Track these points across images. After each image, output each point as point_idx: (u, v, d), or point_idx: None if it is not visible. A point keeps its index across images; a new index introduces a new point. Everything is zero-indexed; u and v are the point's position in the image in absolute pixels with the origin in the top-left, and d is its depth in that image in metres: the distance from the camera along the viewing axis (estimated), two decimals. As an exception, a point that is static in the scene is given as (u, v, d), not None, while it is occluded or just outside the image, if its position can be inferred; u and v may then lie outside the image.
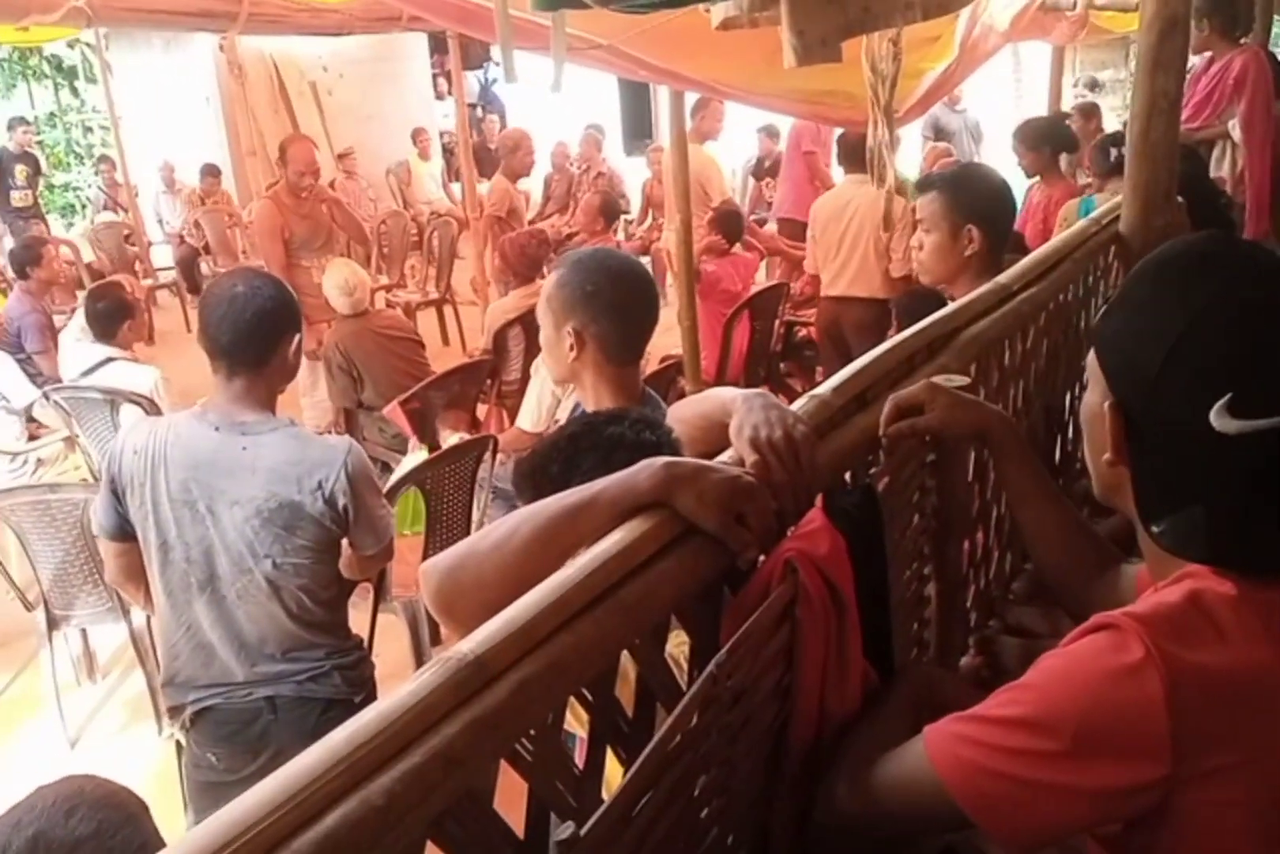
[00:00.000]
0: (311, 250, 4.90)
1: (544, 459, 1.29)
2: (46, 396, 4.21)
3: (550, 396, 3.25)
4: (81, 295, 5.83)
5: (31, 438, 4.35)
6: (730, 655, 0.97)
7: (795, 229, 6.01)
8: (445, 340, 7.11)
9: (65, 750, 3.26)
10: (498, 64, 12.88)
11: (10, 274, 6.26)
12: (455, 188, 10.23)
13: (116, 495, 2.04)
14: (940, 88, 4.16)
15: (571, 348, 1.77)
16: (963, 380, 1.40)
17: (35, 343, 4.96)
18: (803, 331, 5.37)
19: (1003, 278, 1.81)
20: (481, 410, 4.73)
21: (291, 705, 2.06)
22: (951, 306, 1.65)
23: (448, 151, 11.02)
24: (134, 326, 4.36)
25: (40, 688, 3.47)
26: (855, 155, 4.32)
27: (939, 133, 7.89)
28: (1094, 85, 7.20)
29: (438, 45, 10.58)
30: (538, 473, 1.28)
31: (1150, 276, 0.99)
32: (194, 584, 2.01)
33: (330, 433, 4.91)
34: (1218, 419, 0.86)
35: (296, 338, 2.06)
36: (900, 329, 1.64)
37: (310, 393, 4.90)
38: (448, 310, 7.25)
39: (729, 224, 5.19)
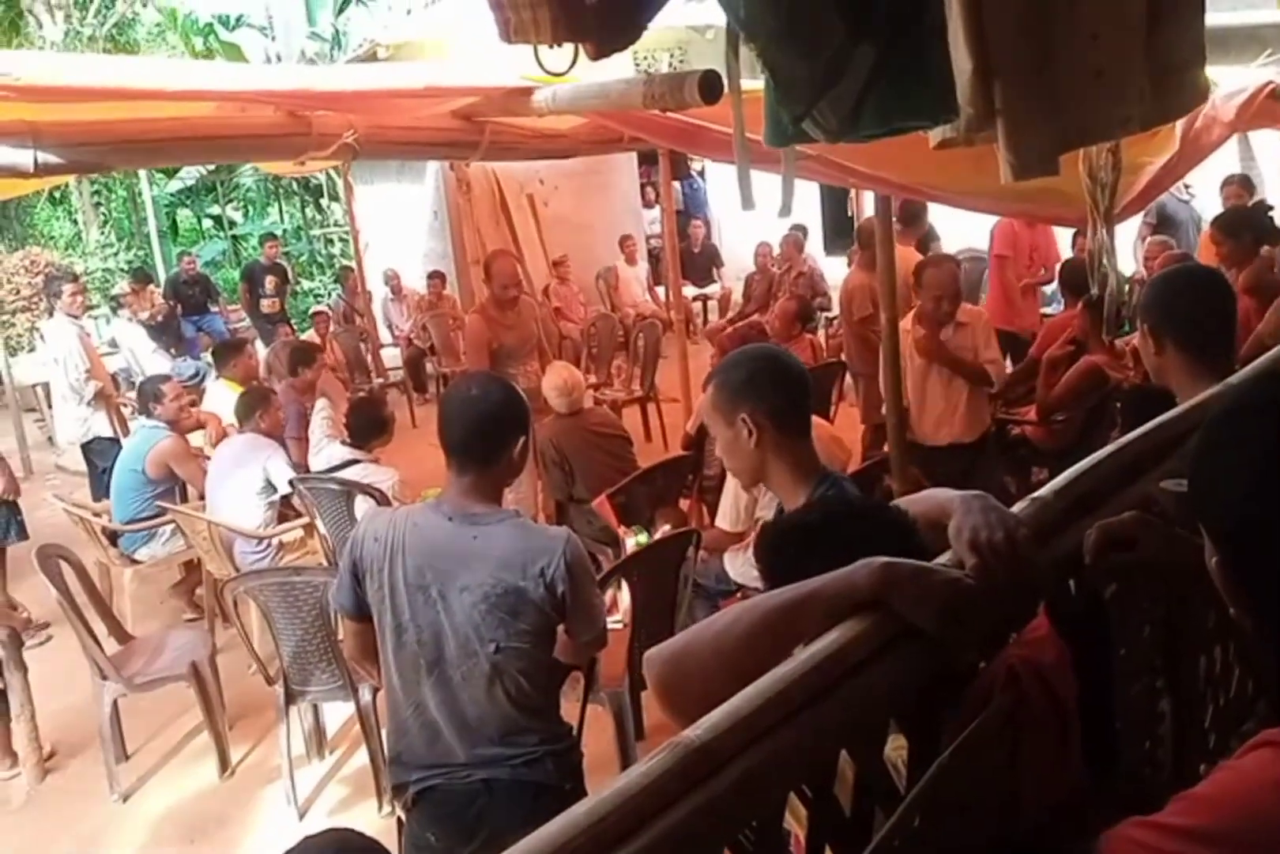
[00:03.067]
0: (517, 359, 5.15)
1: (785, 540, 1.34)
2: (292, 485, 4.61)
3: (747, 495, 3.29)
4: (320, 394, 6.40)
5: (282, 519, 4.75)
6: (953, 760, 0.96)
7: (1002, 340, 5.74)
8: (648, 436, 7.32)
9: (294, 820, 3.46)
10: (701, 173, 13.45)
11: (263, 373, 6.97)
12: (660, 291, 10.65)
13: (357, 578, 2.21)
14: (1160, 182, 4.06)
15: (751, 434, 1.92)
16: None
17: (293, 430, 5.47)
18: (1016, 430, 5.20)
19: (1233, 379, 1.75)
20: (684, 504, 4.82)
21: (507, 789, 2.14)
22: (1178, 409, 1.61)
23: (653, 256, 11.52)
24: (384, 440, 4.76)
25: (274, 759, 3.72)
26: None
27: (1164, 221, 7.58)
28: (1247, 183, 6.75)
29: (645, 157, 11.17)
30: (773, 551, 1.34)
31: (1215, 434, 0.99)
32: (423, 665, 2.13)
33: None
34: None
35: (522, 440, 2.20)
36: (1126, 429, 1.61)
37: (516, 488, 5.14)
38: (651, 408, 7.48)
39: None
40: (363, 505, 4.32)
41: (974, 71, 1.05)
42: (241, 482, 4.61)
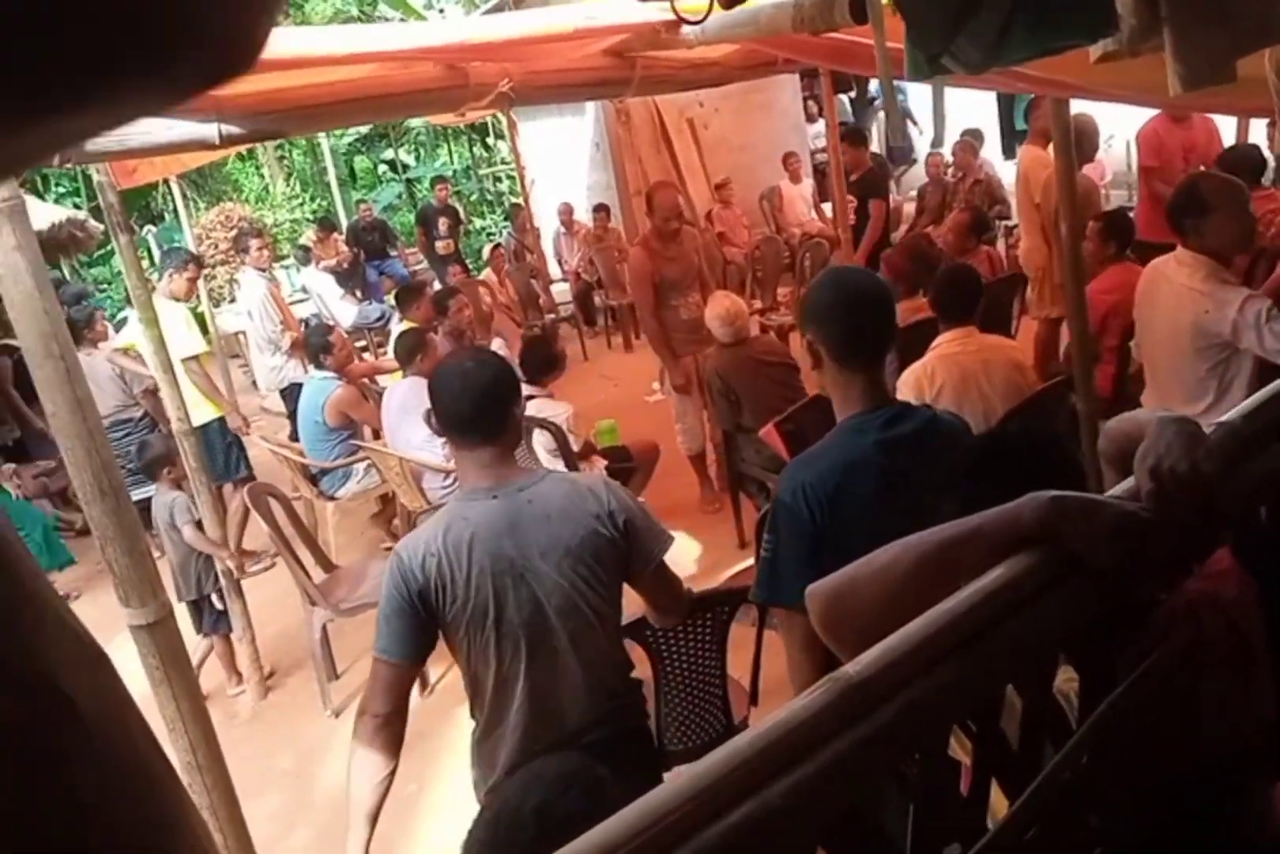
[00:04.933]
0: (679, 290, 5.15)
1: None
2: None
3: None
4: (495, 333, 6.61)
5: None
6: (1125, 696, 0.95)
7: (1148, 254, 4.93)
8: (818, 361, 7.21)
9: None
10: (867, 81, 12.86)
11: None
12: (826, 208, 10.33)
13: (422, 611, 2.00)
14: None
15: (815, 365, 2.00)
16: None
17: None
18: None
19: None
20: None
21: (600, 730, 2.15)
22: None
23: (818, 173, 11.17)
24: (556, 376, 4.89)
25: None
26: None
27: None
28: None
29: (806, 71, 10.77)
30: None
31: None
32: (529, 647, 2.05)
33: (703, 456, 5.20)
34: None
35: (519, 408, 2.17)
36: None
37: (681, 419, 5.22)
38: (820, 331, 7.35)
39: (1120, 230, 4.74)
40: (540, 439, 4.47)
41: (1137, -24, 0.97)
42: (411, 427, 4.81)
